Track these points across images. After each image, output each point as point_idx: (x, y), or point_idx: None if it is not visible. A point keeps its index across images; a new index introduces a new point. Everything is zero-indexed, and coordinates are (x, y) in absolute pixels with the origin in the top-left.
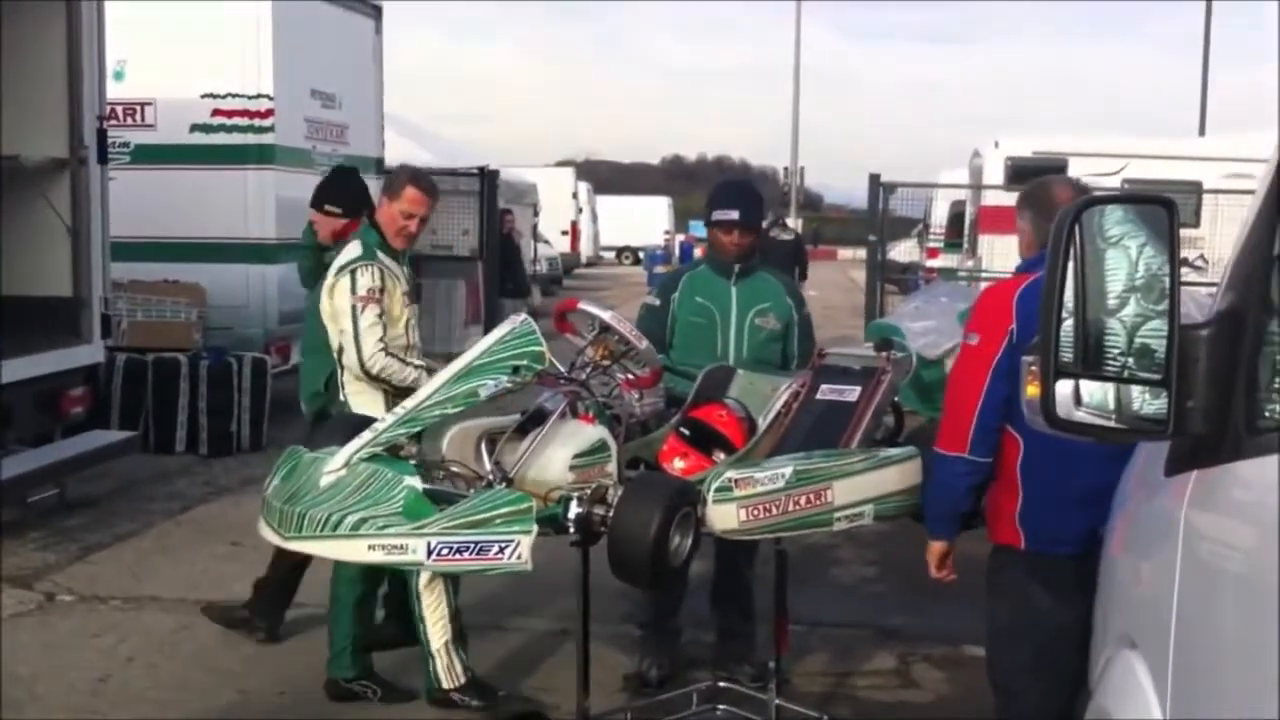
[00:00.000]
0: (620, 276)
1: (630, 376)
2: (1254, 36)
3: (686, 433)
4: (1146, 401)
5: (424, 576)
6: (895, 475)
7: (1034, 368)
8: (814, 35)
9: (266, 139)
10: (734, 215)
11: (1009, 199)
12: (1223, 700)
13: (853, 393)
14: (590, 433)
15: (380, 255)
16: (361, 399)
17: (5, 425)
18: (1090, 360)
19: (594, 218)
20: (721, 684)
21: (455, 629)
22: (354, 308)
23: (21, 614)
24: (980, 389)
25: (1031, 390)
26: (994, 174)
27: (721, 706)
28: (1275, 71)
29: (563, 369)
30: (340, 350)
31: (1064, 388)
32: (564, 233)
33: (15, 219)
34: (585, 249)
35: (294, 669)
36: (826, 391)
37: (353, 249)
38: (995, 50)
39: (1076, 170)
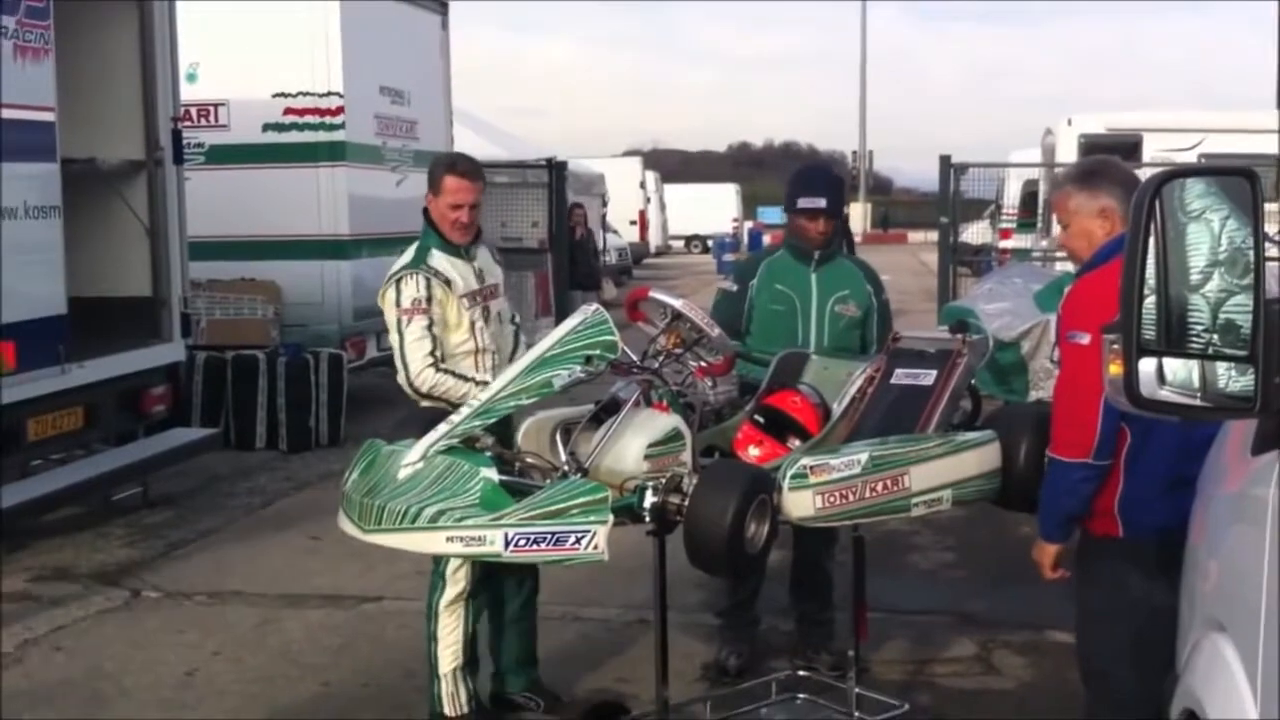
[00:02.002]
0: (689, 265)
1: (703, 364)
2: None
3: (761, 420)
4: (1232, 378)
5: (446, 596)
6: (973, 459)
7: (1116, 346)
8: (880, 17)
9: (337, 136)
10: (821, 203)
11: None
12: None
13: (928, 376)
14: (664, 421)
15: (437, 256)
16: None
17: (90, 425)
18: (1174, 337)
19: (662, 207)
20: (801, 672)
21: (467, 655)
22: (399, 321)
23: (109, 610)
24: (1101, 391)
25: (1114, 369)
26: (1067, 152)
27: (801, 695)
28: None
29: (635, 358)
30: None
31: (1147, 366)
32: (632, 222)
33: (94, 221)
34: (654, 238)
35: (376, 662)
36: (901, 376)
37: (405, 255)
38: (1065, 27)
39: (1151, 146)
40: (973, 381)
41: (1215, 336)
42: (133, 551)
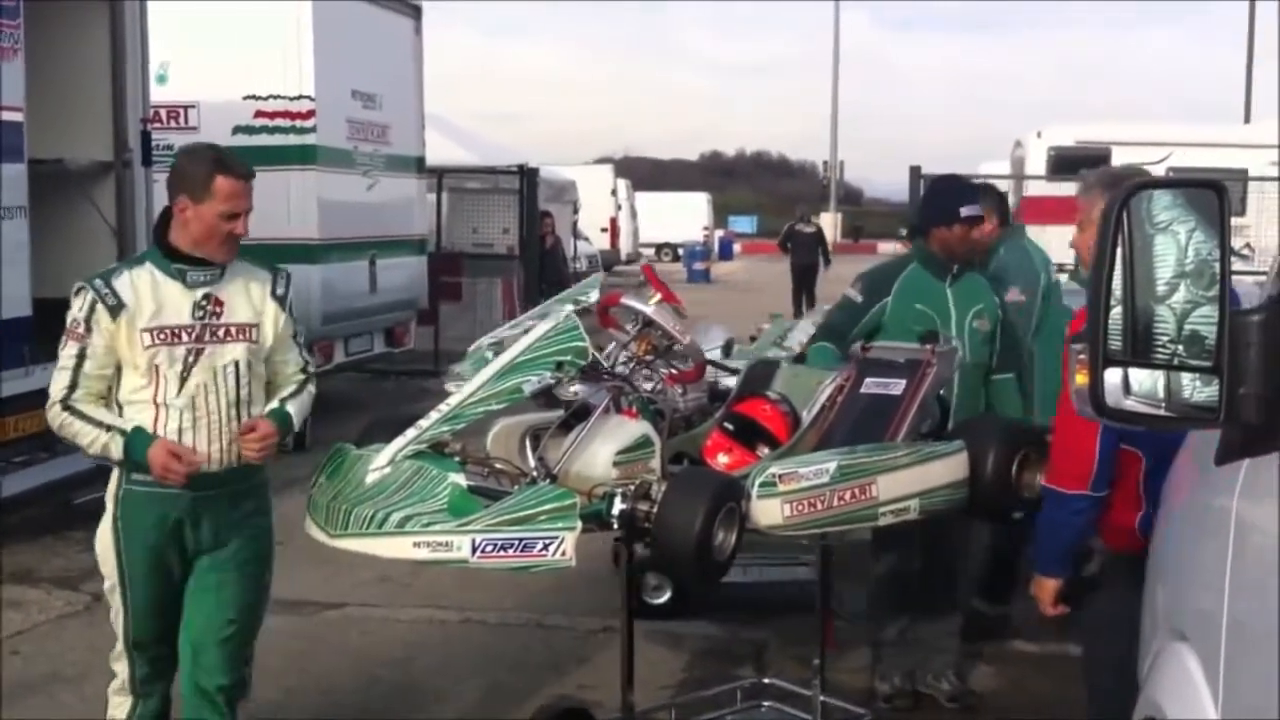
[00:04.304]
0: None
1: (674, 371)
2: None
3: (730, 427)
4: (1197, 389)
5: (113, 683)
6: (941, 469)
7: (1082, 356)
8: (853, 27)
9: (308, 140)
10: (978, 209)
11: (1052, 189)
12: (1276, 691)
13: (898, 386)
14: (634, 428)
15: (135, 272)
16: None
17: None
18: (1139, 348)
19: (633, 214)
20: (766, 680)
21: None
22: (62, 340)
23: (69, 615)
24: (1099, 422)
25: (1080, 379)
26: (1036, 164)
27: (766, 703)
28: None
29: (606, 364)
30: None
31: (1113, 376)
32: (603, 230)
33: (60, 222)
34: (625, 246)
35: (338, 669)
36: (871, 385)
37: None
38: (1036, 39)
39: (1120, 159)
40: (942, 391)
41: (1180, 347)
42: (93, 556)
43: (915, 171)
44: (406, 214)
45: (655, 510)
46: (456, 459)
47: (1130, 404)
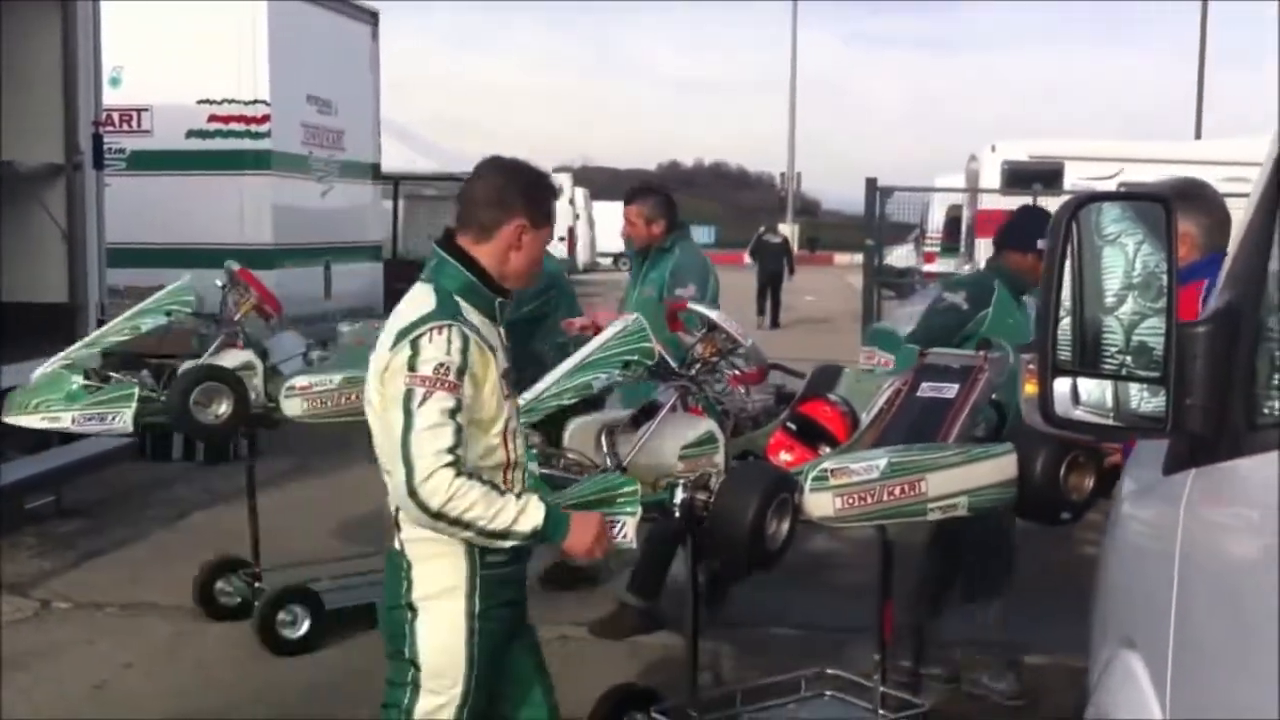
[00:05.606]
0: (617, 282)
1: (738, 373)
2: (1250, 39)
3: (793, 427)
4: (1144, 399)
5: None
6: (990, 469)
7: (1032, 366)
8: (811, 42)
9: (263, 145)
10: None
11: (1006, 203)
12: (1223, 700)
13: (951, 390)
14: (700, 424)
15: (466, 310)
16: (427, 552)
17: (1, 432)
18: (1088, 358)
19: (591, 224)
20: (828, 670)
21: None
22: (407, 395)
23: (18, 621)
24: None
25: (1030, 388)
26: (990, 178)
27: (828, 692)
28: (1274, 73)
29: (674, 365)
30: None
31: (1062, 386)
32: (561, 238)
33: (10, 225)
34: (582, 255)
35: (283, 677)
36: (926, 389)
37: (420, 301)
38: (992, 55)
39: (1072, 175)
40: (995, 395)
41: (1128, 358)
42: (44, 561)
43: (872, 184)
44: (361, 220)
45: (712, 500)
46: (532, 449)
47: (1079, 414)
